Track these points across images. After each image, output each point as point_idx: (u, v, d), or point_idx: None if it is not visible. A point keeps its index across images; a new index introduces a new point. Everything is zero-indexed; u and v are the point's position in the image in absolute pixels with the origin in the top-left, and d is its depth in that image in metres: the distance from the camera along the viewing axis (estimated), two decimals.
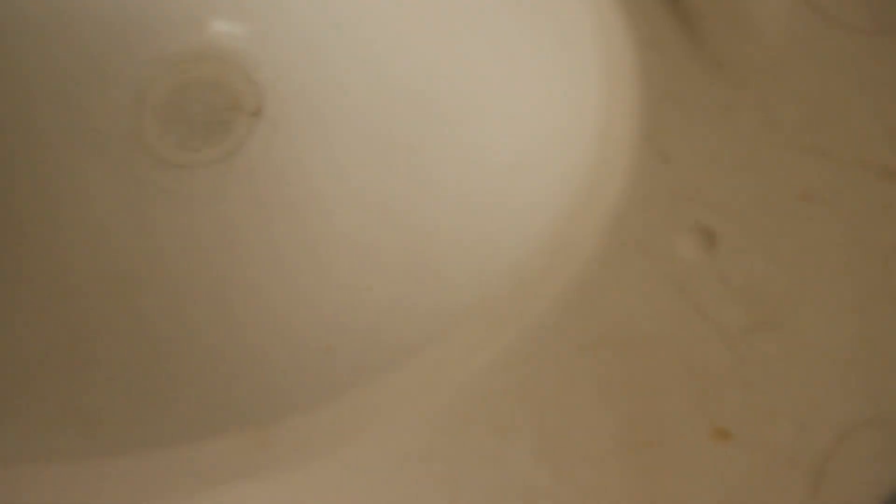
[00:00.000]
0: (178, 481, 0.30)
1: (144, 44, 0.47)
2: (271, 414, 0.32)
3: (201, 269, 0.40)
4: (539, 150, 0.35)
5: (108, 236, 0.42)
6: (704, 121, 0.29)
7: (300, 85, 0.45)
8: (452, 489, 0.26)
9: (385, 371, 0.30)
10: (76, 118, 0.46)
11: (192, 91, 0.46)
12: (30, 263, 0.41)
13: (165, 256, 0.42)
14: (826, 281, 0.27)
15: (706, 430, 0.25)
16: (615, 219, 0.28)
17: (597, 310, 0.27)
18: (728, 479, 0.25)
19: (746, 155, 0.29)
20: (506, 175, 0.36)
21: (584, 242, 0.28)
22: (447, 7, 0.41)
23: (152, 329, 0.38)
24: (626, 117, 0.30)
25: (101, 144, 0.45)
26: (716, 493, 0.25)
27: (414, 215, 0.39)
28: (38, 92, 0.46)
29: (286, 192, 0.43)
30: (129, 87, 0.46)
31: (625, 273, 0.27)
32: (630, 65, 0.31)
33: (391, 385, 0.30)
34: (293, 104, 0.45)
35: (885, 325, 0.27)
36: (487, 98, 0.39)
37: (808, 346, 0.26)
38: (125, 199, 0.44)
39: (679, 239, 0.27)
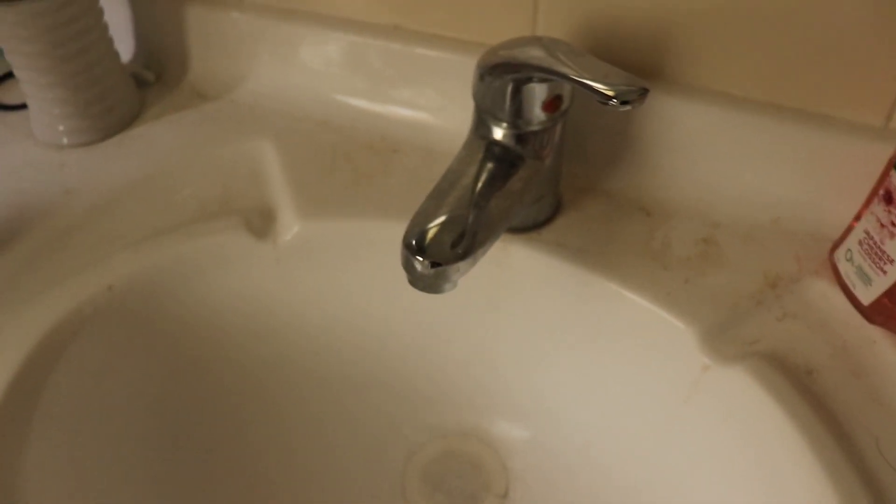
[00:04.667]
0: None
1: (428, 414, 0.56)
2: None
3: None
4: None
5: None
6: None
7: (547, 486, 0.52)
8: None
9: None
10: (356, 465, 0.54)
11: (453, 463, 0.54)
12: None
13: None
14: None
15: None
16: None
17: None
18: None
19: None
20: None
21: None
22: (693, 473, 0.46)
23: None
24: None
25: (373, 491, 0.54)
26: None
27: None
28: (339, 427, 0.55)
29: None
30: (404, 447, 0.55)
31: None
32: None
33: None
34: (539, 500, 0.52)
35: None
36: None
37: None
38: None
39: None
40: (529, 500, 0.52)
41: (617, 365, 0.49)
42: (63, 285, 0.47)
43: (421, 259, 0.38)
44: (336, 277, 0.52)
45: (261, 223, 0.50)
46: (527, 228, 0.49)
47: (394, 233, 0.48)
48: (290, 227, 0.50)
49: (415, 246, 0.38)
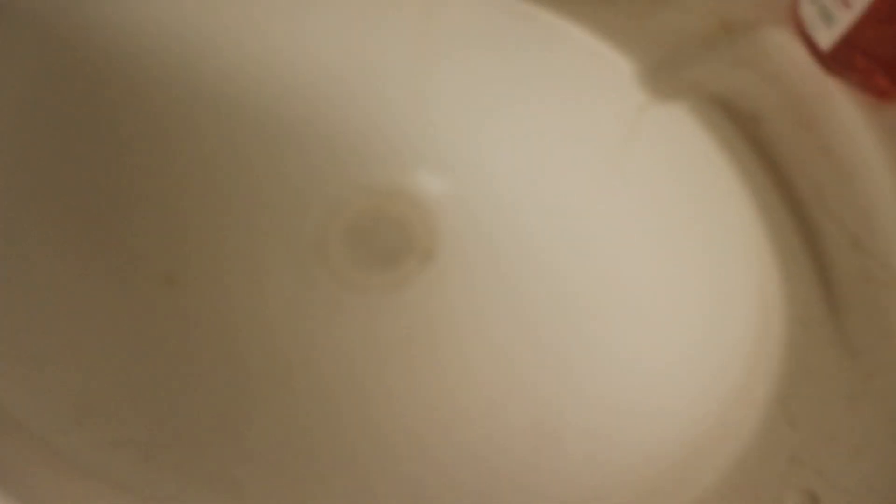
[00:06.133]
0: None
1: (351, 169, 0.52)
2: None
3: (349, 378, 0.45)
4: (678, 385, 0.39)
5: (275, 327, 0.47)
6: (833, 400, 0.32)
7: (474, 248, 0.50)
8: None
9: None
10: (271, 216, 0.51)
11: (378, 222, 0.51)
12: (206, 339, 0.46)
13: (320, 358, 0.46)
14: None
15: None
16: (737, 462, 0.31)
17: None
18: None
19: (864, 442, 0.31)
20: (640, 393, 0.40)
21: (704, 479, 0.31)
22: (631, 228, 0.44)
23: (301, 418, 0.43)
24: (763, 377, 0.33)
25: (287, 246, 0.50)
26: None
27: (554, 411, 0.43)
28: (242, 186, 0.50)
29: (437, 335, 0.47)
30: (326, 203, 0.51)
31: None
32: (777, 335, 0.34)
33: None
34: (463, 261, 0.50)
35: None
36: (645, 315, 0.43)
37: None
38: (296, 299, 0.49)
39: (788, 495, 0.30)
40: (456, 261, 0.50)
41: (549, 109, 0.46)
42: None
43: None
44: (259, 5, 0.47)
45: None
46: None
47: None
48: None
49: None
